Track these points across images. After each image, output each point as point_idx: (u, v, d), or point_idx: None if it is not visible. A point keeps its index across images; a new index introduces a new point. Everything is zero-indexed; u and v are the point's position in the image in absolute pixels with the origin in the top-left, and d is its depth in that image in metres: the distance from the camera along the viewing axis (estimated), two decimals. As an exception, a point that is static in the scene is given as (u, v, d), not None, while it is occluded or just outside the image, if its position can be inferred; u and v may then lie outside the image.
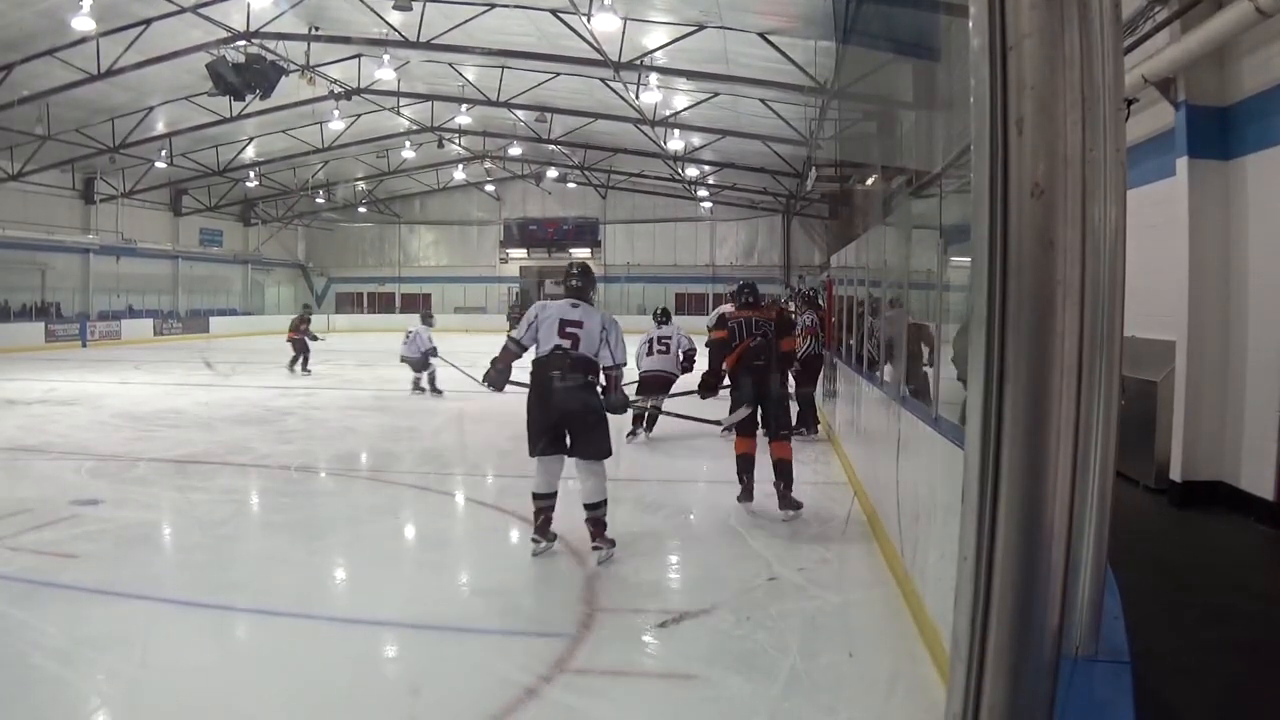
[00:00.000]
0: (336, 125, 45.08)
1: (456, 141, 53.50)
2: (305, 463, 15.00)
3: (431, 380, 23.81)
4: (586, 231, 69.15)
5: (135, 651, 6.95)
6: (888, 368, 10.75)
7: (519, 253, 71.18)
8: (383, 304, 71.47)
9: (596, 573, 8.87)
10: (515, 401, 10.43)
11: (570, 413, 9.35)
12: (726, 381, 12.32)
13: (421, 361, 23.61)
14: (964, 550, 2.17)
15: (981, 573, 2.11)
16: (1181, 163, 11.86)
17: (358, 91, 39.72)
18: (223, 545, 10.27)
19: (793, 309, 24.38)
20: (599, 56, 29.62)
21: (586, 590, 8.36)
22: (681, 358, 17.72)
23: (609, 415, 9.67)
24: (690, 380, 15.08)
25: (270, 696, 6.23)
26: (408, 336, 24.02)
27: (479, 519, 11.74)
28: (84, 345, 47.80)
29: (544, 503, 9.66)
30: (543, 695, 6.11)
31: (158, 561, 9.94)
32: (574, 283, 9.84)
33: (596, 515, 9.50)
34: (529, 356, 9.59)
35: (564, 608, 7.86)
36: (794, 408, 15.31)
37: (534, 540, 9.62)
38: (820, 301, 21.78)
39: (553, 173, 58.88)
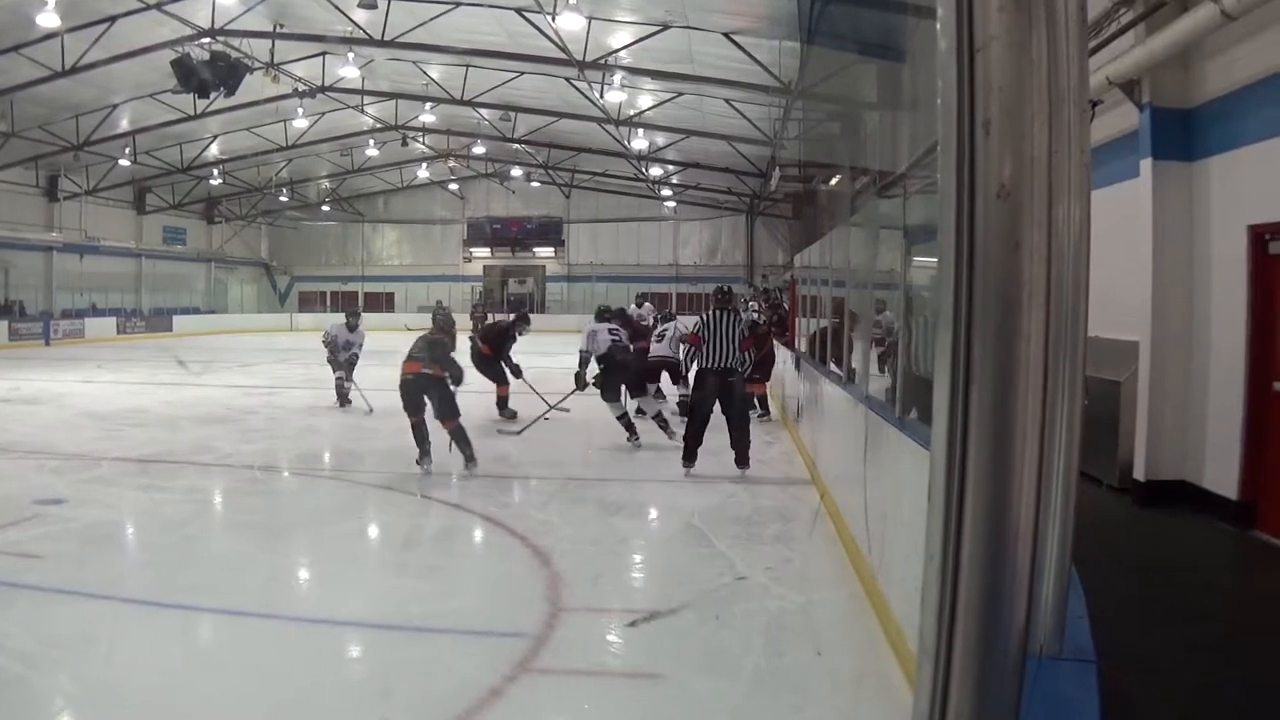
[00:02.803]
0: (301, 123, 44.86)
1: (420, 140, 53.41)
2: (269, 462, 15.02)
3: (344, 388, 21.44)
4: (550, 230, 68.97)
5: (100, 652, 6.96)
6: (858, 369, 10.82)
7: (483, 252, 70.92)
8: (346, 303, 71.21)
9: (560, 573, 8.85)
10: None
11: None
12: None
13: (336, 364, 21.62)
14: (930, 550, 2.18)
15: (948, 573, 2.11)
16: (1145, 164, 11.92)
17: (322, 89, 39.59)
18: (187, 545, 10.26)
19: (756, 309, 24.46)
20: (564, 56, 29.57)
21: (550, 590, 8.35)
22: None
23: None
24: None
25: (235, 697, 6.23)
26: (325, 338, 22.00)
27: (442, 518, 11.74)
28: (47, 344, 47.49)
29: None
30: (507, 695, 6.12)
31: (122, 561, 10.00)
32: None
33: None
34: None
35: (528, 607, 7.83)
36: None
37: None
38: (783, 302, 21.85)
39: (517, 172, 58.78)
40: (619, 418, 16.39)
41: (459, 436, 13.67)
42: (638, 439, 16.20)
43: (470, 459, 13.63)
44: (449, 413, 13.71)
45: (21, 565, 9.06)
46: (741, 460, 13.32)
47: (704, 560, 9.46)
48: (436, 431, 13.73)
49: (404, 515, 12.02)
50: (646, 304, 35.84)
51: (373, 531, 11.48)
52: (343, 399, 21.18)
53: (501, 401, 19.22)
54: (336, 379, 21.36)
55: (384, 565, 9.99)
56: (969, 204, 2.05)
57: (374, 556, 10.45)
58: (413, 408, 13.82)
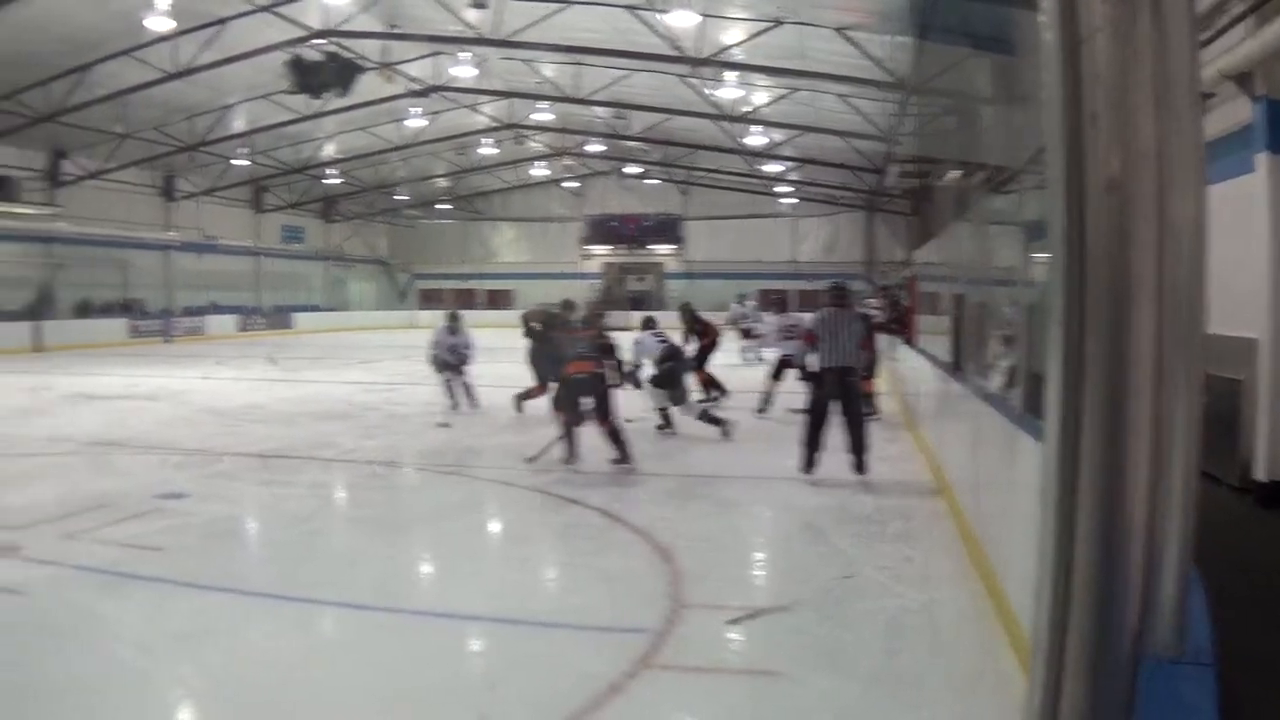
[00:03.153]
0: (416, 123, 45.41)
1: (536, 138, 53.63)
2: (389, 458, 15.10)
3: (453, 388, 20.66)
4: (668, 228, 69.06)
5: (220, 644, 7.03)
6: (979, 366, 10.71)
7: (600, 249, 71.23)
8: (465, 300, 71.54)
9: (681, 569, 8.82)
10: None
11: None
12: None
13: (440, 364, 20.79)
14: (1043, 548, 2.16)
15: (1060, 571, 2.09)
16: (1261, 158, 11.65)
17: (435, 89, 40.02)
18: (307, 539, 10.42)
19: (876, 305, 24.33)
20: (675, 53, 29.55)
21: (671, 586, 8.31)
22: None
23: None
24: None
25: (353, 690, 6.29)
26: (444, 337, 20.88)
27: (562, 514, 11.58)
28: (167, 341, 48.46)
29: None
30: (627, 691, 6.10)
31: (242, 555, 10.17)
32: None
33: None
34: None
35: (649, 603, 7.79)
36: None
37: None
38: (902, 299, 21.71)
39: (632, 169, 58.87)
40: (660, 409, 16.68)
41: (615, 438, 13.50)
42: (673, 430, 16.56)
43: (627, 459, 13.45)
44: (607, 413, 13.57)
45: (142, 557, 9.21)
46: (859, 464, 12.68)
47: (823, 558, 9.38)
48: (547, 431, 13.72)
49: (524, 511, 12.01)
50: (749, 301, 35.53)
51: (493, 527, 11.58)
52: (454, 399, 20.54)
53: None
54: (443, 379, 20.68)
55: (504, 560, 10.01)
56: (1078, 198, 2.02)
57: (494, 552, 10.49)
58: (572, 408, 13.72)
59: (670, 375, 16.77)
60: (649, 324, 18.00)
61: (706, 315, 23.10)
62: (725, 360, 30.35)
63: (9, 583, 8.35)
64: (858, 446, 12.63)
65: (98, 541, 9.75)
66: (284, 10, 30.06)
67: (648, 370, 16.82)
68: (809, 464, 12.71)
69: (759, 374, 20.74)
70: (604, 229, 70.45)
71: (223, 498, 12.19)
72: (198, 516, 11.01)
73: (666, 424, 16.78)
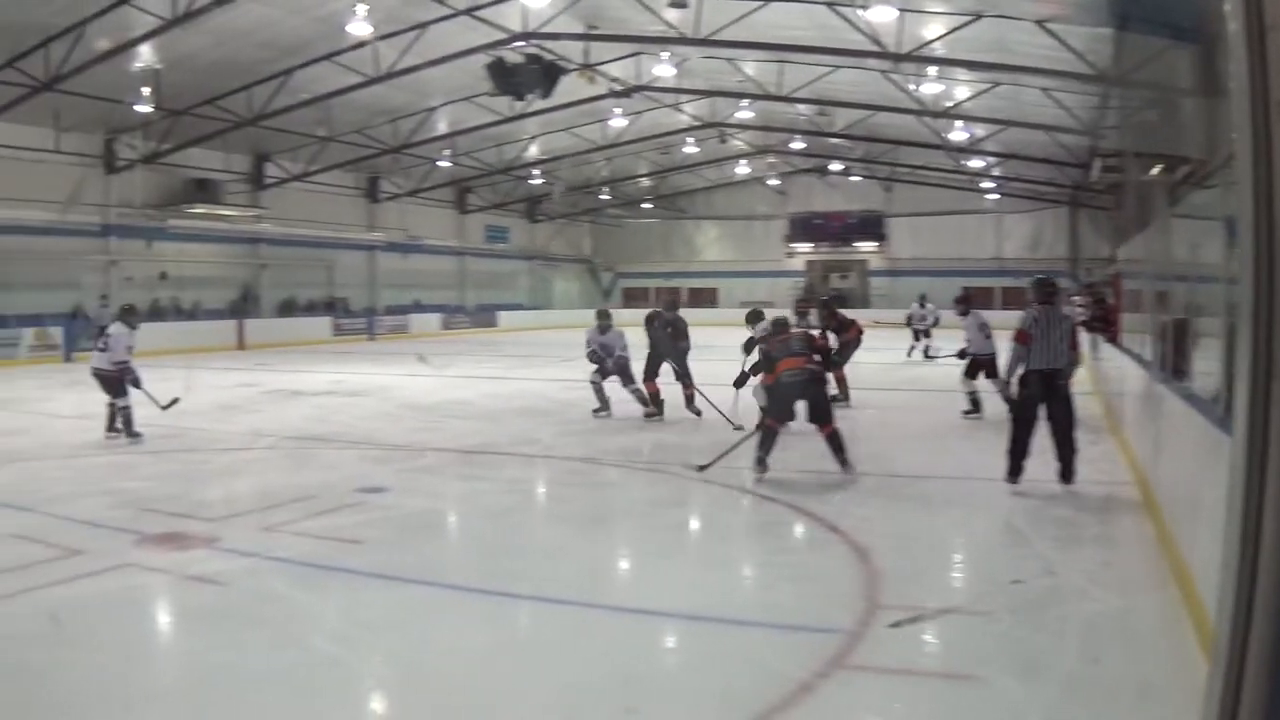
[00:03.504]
0: (618, 122, 45.88)
1: (738, 136, 53.66)
2: (589, 454, 15.14)
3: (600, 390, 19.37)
4: (871, 225, 68.60)
5: (413, 636, 7.18)
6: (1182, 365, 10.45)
7: (804, 246, 71.05)
8: (667, 298, 71.49)
9: (878, 570, 8.74)
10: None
11: None
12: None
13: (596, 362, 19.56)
14: (1227, 555, 2.10)
15: (1244, 579, 2.02)
16: None
17: (637, 89, 40.24)
18: (506, 534, 10.56)
19: (1080, 303, 23.96)
20: (876, 48, 29.32)
21: (868, 587, 8.24)
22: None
23: None
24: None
25: (543, 682, 6.36)
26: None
27: (761, 512, 11.56)
28: (371, 338, 49.74)
29: None
30: (818, 691, 6.05)
31: (441, 548, 10.40)
32: None
33: None
34: None
35: (844, 603, 7.73)
36: None
37: None
38: (1106, 297, 21.33)
39: (835, 166, 58.60)
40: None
41: (836, 441, 12.98)
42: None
43: (847, 463, 12.92)
44: (828, 416, 13.08)
45: (341, 550, 9.45)
46: (1067, 473, 11.87)
47: (1021, 560, 9.22)
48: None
49: (722, 508, 12.00)
50: (929, 304, 35.05)
51: (691, 524, 11.59)
52: (601, 401, 19.29)
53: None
54: (593, 379, 19.44)
55: (701, 558, 10.03)
56: (1266, 191, 1.96)
57: (691, 549, 10.49)
58: (787, 412, 13.05)
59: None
60: (756, 317, 17.44)
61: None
62: (895, 359, 30.26)
63: (208, 573, 8.65)
64: (1066, 453, 11.88)
65: (296, 534, 10.05)
66: (484, 14, 30.52)
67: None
68: (1016, 472, 11.97)
69: (939, 373, 20.46)
70: (807, 226, 70.31)
71: (423, 492, 12.51)
72: (397, 510, 11.31)
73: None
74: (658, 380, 18.97)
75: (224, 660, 6.58)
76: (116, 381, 15.94)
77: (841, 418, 14.47)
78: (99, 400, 16.19)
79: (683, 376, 18.81)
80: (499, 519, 11.18)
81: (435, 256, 59.99)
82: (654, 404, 18.78)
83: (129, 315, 16.84)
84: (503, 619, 7.80)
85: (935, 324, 34.05)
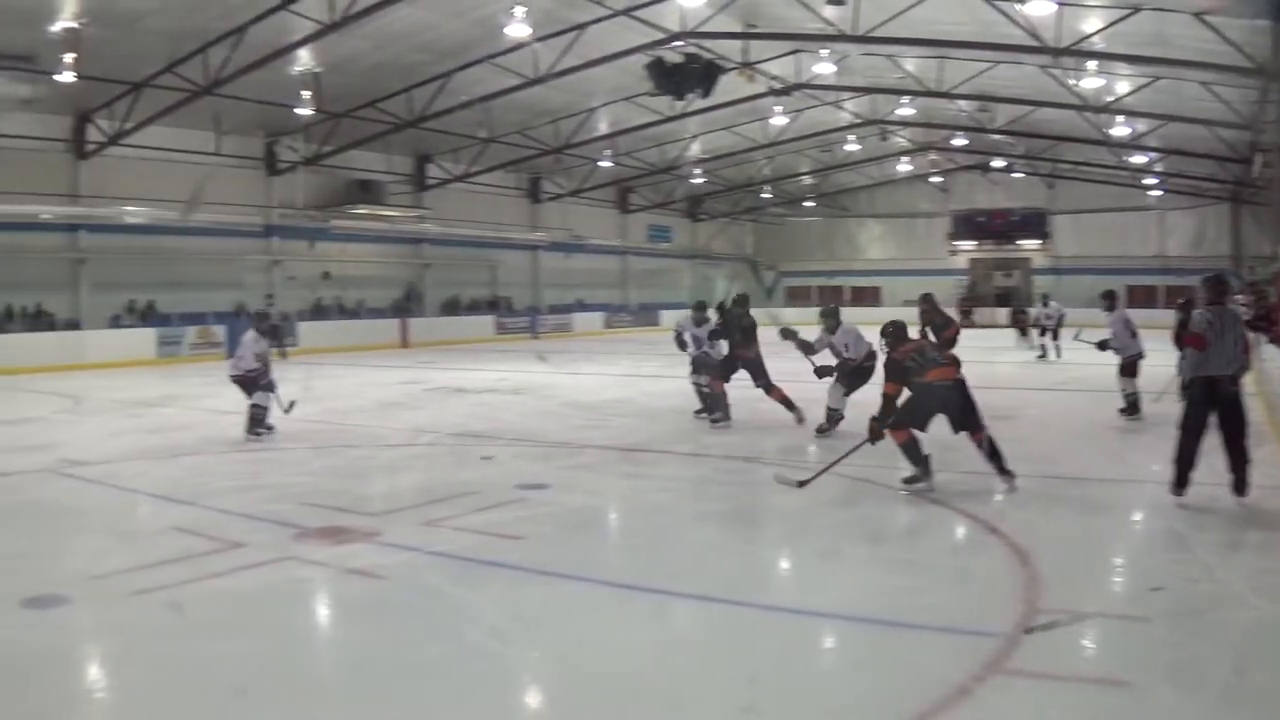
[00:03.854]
0: (779, 121, 45.79)
1: (900, 133, 53.35)
2: (749, 453, 15.06)
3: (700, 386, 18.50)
4: (1033, 222, 67.63)
5: (570, 632, 7.34)
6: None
7: (967, 244, 70.29)
8: (831, 298, 71.03)
9: (1038, 573, 8.63)
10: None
11: None
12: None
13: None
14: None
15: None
16: None
17: (797, 87, 40.13)
18: (664, 532, 10.67)
19: (1243, 302, 23.56)
20: (1035, 43, 29.00)
21: (1027, 590, 8.15)
22: None
23: None
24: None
25: (701, 681, 6.44)
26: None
27: (921, 514, 11.43)
28: (535, 337, 50.10)
29: None
30: (974, 695, 6.03)
31: (599, 545, 10.52)
32: None
33: None
34: None
35: (1003, 607, 7.66)
36: None
37: None
38: (1270, 296, 20.96)
39: (998, 163, 57.97)
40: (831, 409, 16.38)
41: (991, 447, 12.20)
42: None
43: (1006, 472, 12.12)
44: (978, 423, 12.28)
45: (500, 545, 9.65)
46: (1240, 485, 11.00)
47: (1181, 565, 9.07)
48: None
49: (882, 509, 11.88)
50: (1053, 303, 34.60)
51: (850, 525, 11.32)
52: (703, 404, 18.46)
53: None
54: (692, 377, 18.71)
55: (859, 558, 9.90)
56: None
57: (849, 549, 10.26)
58: (926, 422, 12.20)
59: (860, 374, 16.36)
60: (830, 314, 17.35)
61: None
62: (1022, 358, 30.31)
63: (368, 566, 8.92)
64: (1239, 463, 11.03)
65: (456, 529, 10.25)
66: (642, 14, 30.73)
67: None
68: (1182, 484, 11.18)
69: (1097, 373, 20.23)
70: (970, 224, 69.56)
71: (583, 489, 12.65)
72: (557, 506, 11.48)
73: (829, 425, 16.32)
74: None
75: (383, 653, 6.76)
76: (251, 383, 16.54)
77: (1003, 419, 14.47)
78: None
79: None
80: (657, 516, 11.31)
81: (598, 256, 60.57)
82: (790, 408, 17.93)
83: (260, 322, 17.39)
84: (659, 617, 7.87)
85: (1060, 323, 33.47)
